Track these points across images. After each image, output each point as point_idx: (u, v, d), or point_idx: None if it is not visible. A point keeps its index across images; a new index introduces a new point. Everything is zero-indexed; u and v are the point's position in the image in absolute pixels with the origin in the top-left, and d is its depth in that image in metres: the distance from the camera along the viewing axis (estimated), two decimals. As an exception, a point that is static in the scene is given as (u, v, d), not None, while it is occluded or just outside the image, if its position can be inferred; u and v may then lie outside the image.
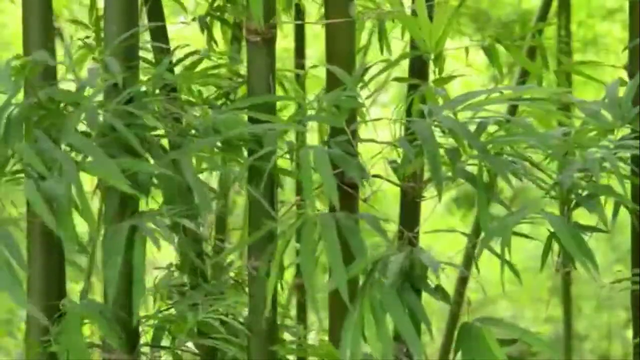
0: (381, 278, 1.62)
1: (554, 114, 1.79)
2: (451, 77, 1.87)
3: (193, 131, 1.85)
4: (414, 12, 2.08)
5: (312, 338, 2.59)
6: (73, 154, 1.71)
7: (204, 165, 1.88)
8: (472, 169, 1.71)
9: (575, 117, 1.85)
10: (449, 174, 1.71)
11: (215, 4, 2.43)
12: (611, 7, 4.83)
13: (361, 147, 1.85)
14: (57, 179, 1.63)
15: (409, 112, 1.87)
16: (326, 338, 2.02)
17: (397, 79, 2.03)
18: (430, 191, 1.91)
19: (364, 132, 1.88)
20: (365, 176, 1.73)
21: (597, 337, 5.85)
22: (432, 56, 1.85)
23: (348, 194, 1.78)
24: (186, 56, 2.23)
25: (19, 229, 1.75)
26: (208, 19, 2.43)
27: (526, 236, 1.74)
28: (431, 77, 2.07)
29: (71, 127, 1.71)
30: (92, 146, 1.70)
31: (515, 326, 1.65)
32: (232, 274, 2.30)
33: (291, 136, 1.88)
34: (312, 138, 2.10)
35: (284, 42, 2.81)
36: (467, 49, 2.06)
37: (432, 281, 1.65)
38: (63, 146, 1.71)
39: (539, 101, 1.77)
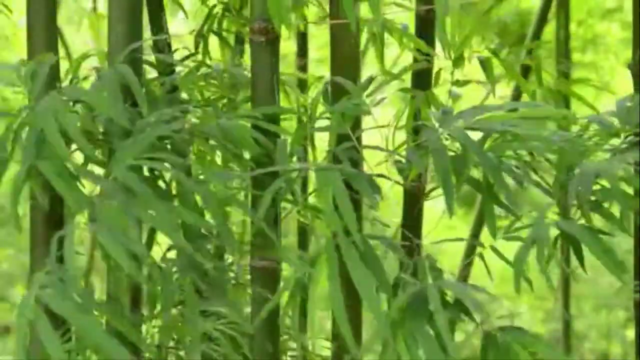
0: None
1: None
2: (469, 81, 1.87)
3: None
4: (417, 15, 2.09)
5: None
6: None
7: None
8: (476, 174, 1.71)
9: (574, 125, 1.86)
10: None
11: (214, 11, 2.43)
12: (610, 6, 4.84)
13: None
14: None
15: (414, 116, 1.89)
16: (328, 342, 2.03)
17: (402, 90, 2.03)
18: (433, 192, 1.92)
19: (368, 133, 1.89)
20: (377, 193, 1.69)
21: (596, 337, 5.86)
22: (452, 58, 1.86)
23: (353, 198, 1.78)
24: (186, 57, 2.24)
25: (20, 228, 1.76)
26: (205, 31, 2.42)
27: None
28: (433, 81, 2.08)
29: (122, 160, 1.69)
30: (145, 188, 1.67)
31: (542, 339, 1.61)
32: (232, 274, 2.31)
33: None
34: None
35: (284, 44, 2.81)
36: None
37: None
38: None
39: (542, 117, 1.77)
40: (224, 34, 2.45)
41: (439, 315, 1.53)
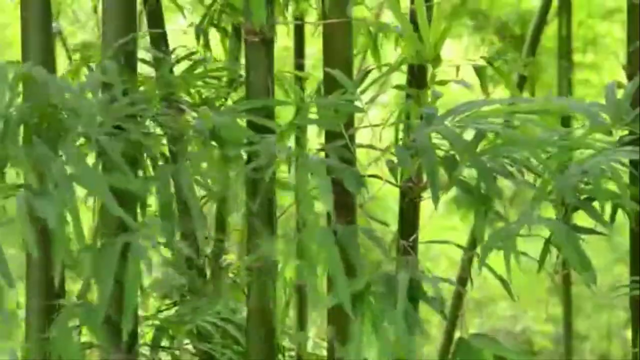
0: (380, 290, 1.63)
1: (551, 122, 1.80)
2: (447, 81, 1.87)
3: (191, 132, 1.85)
4: (412, 13, 2.09)
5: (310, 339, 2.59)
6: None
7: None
8: (468, 174, 1.71)
9: (573, 118, 1.85)
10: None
11: (212, 9, 2.44)
12: (611, 7, 4.83)
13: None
14: (51, 194, 1.62)
15: (408, 114, 1.88)
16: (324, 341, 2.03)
17: (397, 87, 2.03)
18: (429, 192, 1.91)
19: (364, 132, 1.89)
20: (361, 185, 1.71)
21: (597, 337, 5.86)
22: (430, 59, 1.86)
23: (347, 200, 1.78)
24: (185, 57, 2.23)
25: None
26: (204, 25, 2.43)
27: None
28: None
29: (69, 138, 1.69)
30: (84, 161, 1.68)
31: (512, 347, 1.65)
32: (231, 275, 2.31)
33: (291, 139, 1.87)
34: (313, 138, 2.10)
35: (284, 40, 2.81)
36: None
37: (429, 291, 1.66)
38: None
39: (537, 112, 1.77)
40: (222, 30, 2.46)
41: (402, 292, 1.58)
